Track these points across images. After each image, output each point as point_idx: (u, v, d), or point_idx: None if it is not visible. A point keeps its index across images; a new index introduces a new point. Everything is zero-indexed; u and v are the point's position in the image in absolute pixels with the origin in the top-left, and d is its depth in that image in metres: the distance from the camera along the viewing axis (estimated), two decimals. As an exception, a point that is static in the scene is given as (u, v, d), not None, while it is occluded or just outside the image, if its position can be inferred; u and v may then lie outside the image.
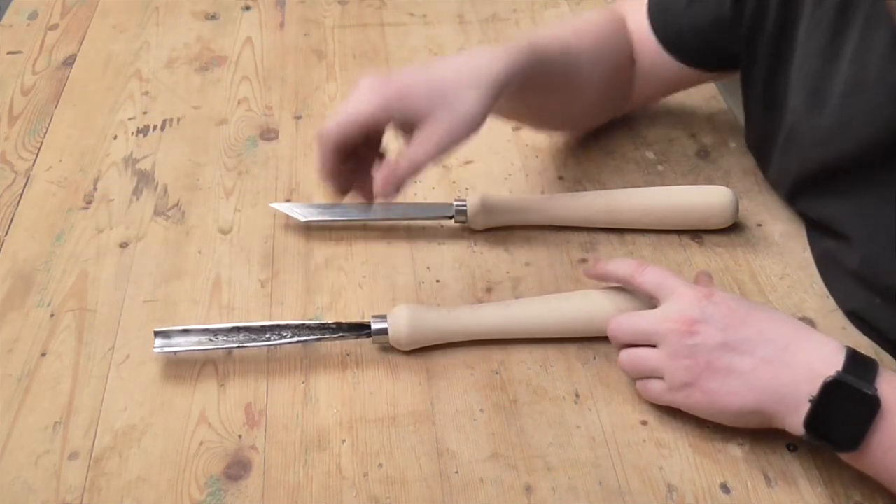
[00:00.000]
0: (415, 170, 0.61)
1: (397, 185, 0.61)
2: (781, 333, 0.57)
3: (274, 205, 0.79)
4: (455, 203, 0.76)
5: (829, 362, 0.55)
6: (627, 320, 0.63)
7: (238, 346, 0.66)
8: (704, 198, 0.76)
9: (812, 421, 0.55)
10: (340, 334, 0.66)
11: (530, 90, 0.69)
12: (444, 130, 0.61)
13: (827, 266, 0.73)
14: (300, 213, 0.77)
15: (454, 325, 0.67)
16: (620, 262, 0.66)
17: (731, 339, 0.58)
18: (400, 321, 0.66)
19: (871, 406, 0.53)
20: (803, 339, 0.57)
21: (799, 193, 0.75)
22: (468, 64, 0.64)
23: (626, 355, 0.63)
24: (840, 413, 0.54)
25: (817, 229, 0.75)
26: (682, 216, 0.76)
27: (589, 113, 0.84)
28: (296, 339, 0.66)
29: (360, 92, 0.61)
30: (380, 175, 0.62)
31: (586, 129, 0.87)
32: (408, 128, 0.62)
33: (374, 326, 0.66)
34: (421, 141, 0.61)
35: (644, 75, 0.81)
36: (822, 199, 0.72)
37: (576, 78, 0.76)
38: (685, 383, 0.59)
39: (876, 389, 0.53)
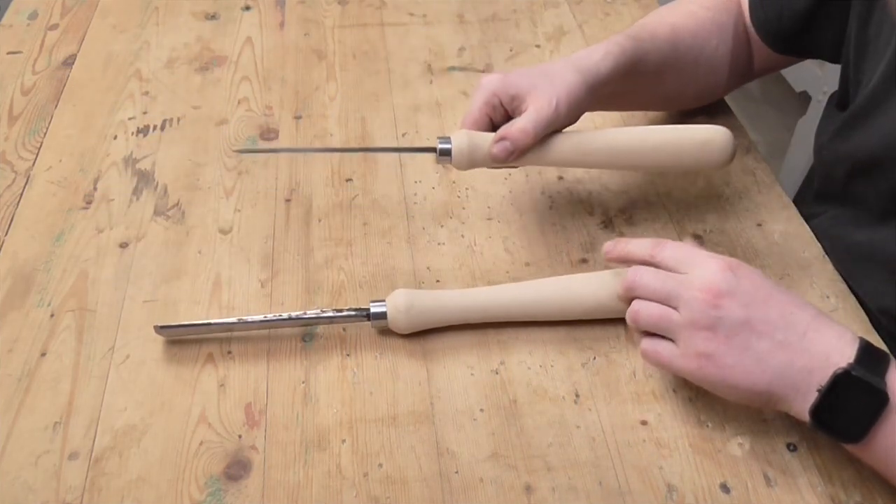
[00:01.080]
0: (521, 138, 0.68)
1: (509, 152, 0.69)
2: (801, 319, 0.57)
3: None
4: (439, 142, 0.73)
5: (843, 353, 0.55)
6: (652, 274, 0.61)
7: (238, 322, 0.68)
8: (702, 136, 0.73)
9: (818, 410, 0.55)
10: (340, 318, 0.67)
11: (638, 78, 0.75)
12: (543, 100, 0.68)
13: (859, 261, 0.73)
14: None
15: (453, 306, 0.67)
16: (639, 241, 0.64)
17: (753, 318, 0.57)
18: (399, 303, 0.66)
19: (879, 400, 0.53)
20: (821, 326, 0.57)
21: (864, 173, 0.74)
22: (569, 58, 0.72)
23: (644, 306, 0.61)
24: (847, 405, 0.54)
25: (859, 219, 0.74)
26: (679, 155, 0.73)
27: (707, 89, 0.86)
28: (295, 316, 0.68)
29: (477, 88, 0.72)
30: (494, 139, 0.70)
31: (710, 100, 0.89)
32: (518, 111, 0.70)
33: (373, 310, 0.66)
34: (524, 113, 0.69)
35: (738, 65, 0.85)
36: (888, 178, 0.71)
37: (688, 60, 0.80)
38: (701, 353, 0.58)
39: (885, 384, 0.53)
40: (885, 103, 0.69)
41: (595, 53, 0.72)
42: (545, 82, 0.69)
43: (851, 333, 0.57)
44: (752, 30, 0.83)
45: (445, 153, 0.71)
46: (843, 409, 0.54)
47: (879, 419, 0.53)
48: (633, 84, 0.76)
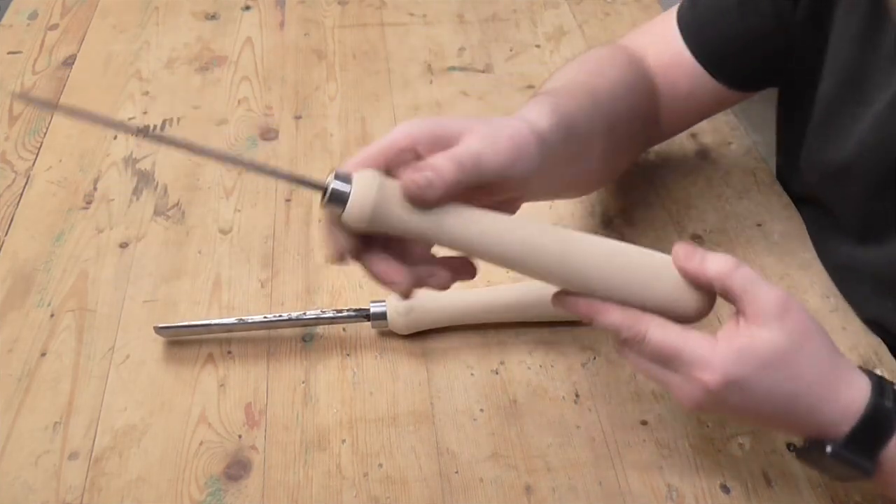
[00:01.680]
0: (446, 167, 0.49)
1: (427, 183, 0.49)
2: (804, 404, 0.52)
3: None
4: (335, 181, 0.55)
5: (840, 427, 0.51)
6: (646, 362, 0.53)
7: (238, 322, 0.67)
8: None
9: (797, 454, 0.55)
10: (340, 318, 0.67)
11: (573, 140, 0.60)
12: (480, 136, 0.52)
13: (845, 274, 0.72)
14: None
15: (453, 306, 0.67)
16: (717, 267, 0.52)
17: (753, 413, 0.53)
18: (398, 304, 0.66)
19: (863, 473, 0.51)
20: (825, 404, 0.52)
21: (834, 183, 0.72)
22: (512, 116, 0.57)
23: (645, 367, 0.54)
24: (831, 469, 0.53)
25: (842, 231, 0.73)
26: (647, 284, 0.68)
27: (614, 165, 0.74)
28: (295, 317, 0.67)
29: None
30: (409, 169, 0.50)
31: (611, 180, 0.80)
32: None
33: (372, 310, 0.67)
34: (450, 151, 0.51)
35: (677, 105, 0.76)
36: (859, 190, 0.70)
37: (604, 135, 0.66)
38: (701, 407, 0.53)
39: (876, 458, 0.51)
40: (842, 111, 0.68)
41: (527, 112, 0.57)
42: (481, 123, 0.53)
43: (861, 400, 0.51)
44: (697, 68, 0.74)
45: (338, 199, 0.48)
46: (827, 469, 0.53)
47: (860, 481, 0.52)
48: (572, 147, 0.61)
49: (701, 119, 0.81)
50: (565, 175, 0.62)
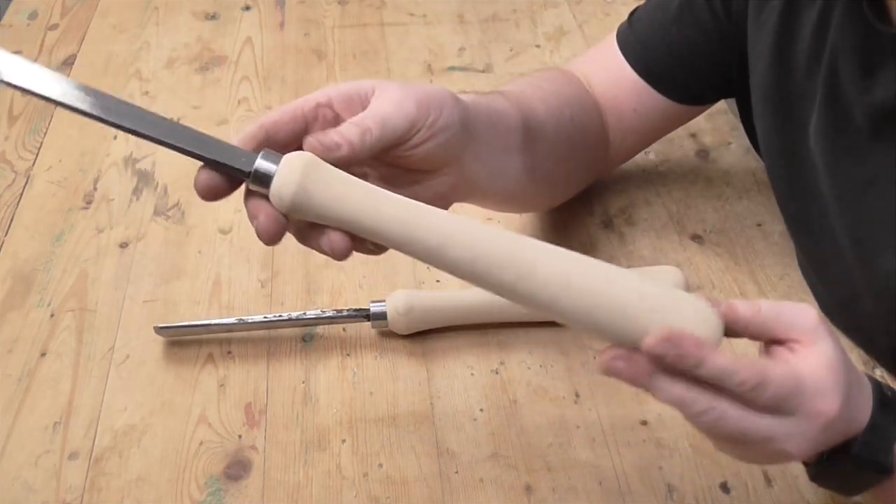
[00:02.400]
0: (343, 138, 0.49)
1: (333, 144, 0.49)
2: (856, 400, 0.48)
3: None
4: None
5: (863, 422, 0.49)
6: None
7: (238, 322, 0.67)
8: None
9: (813, 474, 0.51)
10: (340, 318, 0.67)
11: (493, 141, 0.60)
12: (390, 95, 0.52)
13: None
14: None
15: (453, 306, 0.67)
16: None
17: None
18: (399, 304, 0.66)
19: (881, 475, 0.49)
20: (858, 397, 0.49)
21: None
22: None
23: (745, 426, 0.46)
24: (844, 475, 0.51)
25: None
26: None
27: (557, 186, 0.73)
28: (295, 317, 0.67)
29: None
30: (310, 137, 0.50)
31: (559, 203, 0.77)
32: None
33: (373, 310, 0.67)
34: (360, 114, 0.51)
35: (626, 126, 0.75)
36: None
37: (548, 137, 0.66)
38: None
39: (892, 455, 0.49)
40: (772, 126, 0.68)
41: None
42: (395, 84, 0.53)
43: (872, 400, 0.49)
44: (639, 83, 0.73)
45: (262, 180, 0.47)
46: (839, 479, 0.51)
47: (879, 484, 0.50)
48: (501, 133, 0.61)
49: (653, 140, 0.80)
50: (500, 168, 0.61)
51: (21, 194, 0.82)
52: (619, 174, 0.83)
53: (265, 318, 0.68)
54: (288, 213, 0.47)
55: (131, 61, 1.00)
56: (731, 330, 0.48)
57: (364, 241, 0.49)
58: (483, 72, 0.98)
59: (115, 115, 0.47)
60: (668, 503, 0.58)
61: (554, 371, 0.67)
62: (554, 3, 1.10)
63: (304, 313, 0.68)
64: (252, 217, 0.49)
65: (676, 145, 0.87)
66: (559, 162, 0.70)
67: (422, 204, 0.48)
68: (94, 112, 0.47)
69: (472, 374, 0.66)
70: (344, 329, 0.69)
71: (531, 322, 0.69)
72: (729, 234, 0.78)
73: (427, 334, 0.69)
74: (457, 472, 0.60)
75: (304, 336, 0.69)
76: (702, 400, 0.45)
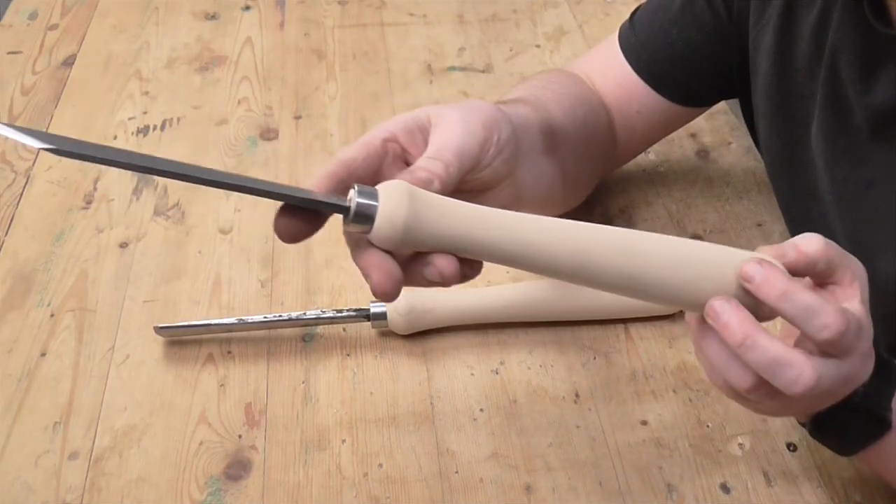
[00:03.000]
0: (436, 165, 0.49)
1: (431, 177, 0.48)
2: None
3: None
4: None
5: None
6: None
7: (238, 322, 0.67)
8: None
9: (816, 426, 0.52)
10: (340, 318, 0.67)
11: (540, 147, 0.61)
12: (453, 123, 0.51)
13: None
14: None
15: (453, 306, 0.67)
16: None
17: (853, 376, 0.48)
18: (399, 304, 0.66)
19: (881, 427, 0.50)
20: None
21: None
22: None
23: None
24: (845, 427, 0.51)
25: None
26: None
27: (580, 182, 0.73)
28: (295, 317, 0.67)
29: None
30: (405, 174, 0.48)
31: (578, 201, 0.76)
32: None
33: (373, 310, 0.67)
34: (435, 143, 0.51)
35: (630, 126, 0.75)
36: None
37: (572, 138, 0.67)
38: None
39: (891, 411, 0.50)
40: (773, 124, 0.68)
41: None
42: (451, 109, 0.53)
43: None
44: (639, 84, 0.74)
45: (363, 216, 0.45)
46: (841, 430, 0.52)
47: (877, 441, 0.51)
48: (547, 138, 0.62)
49: (656, 140, 0.80)
50: (540, 173, 0.61)
51: (21, 194, 0.82)
52: (619, 174, 0.83)
53: (265, 318, 0.68)
54: (399, 242, 0.45)
55: (131, 61, 1.00)
56: (802, 271, 0.48)
57: (461, 264, 0.47)
58: (483, 72, 0.98)
59: (206, 174, 0.43)
60: (668, 503, 0.58)
61: (554, 371, 0.67)
62: (554, 3, 1.10)
63: (304, 313, 0.68)
64: (366, 275, 0.47)
65: (676, 145, 0.87)
66: (579, 162, 0.70)
67: (518, 213, 0.47)
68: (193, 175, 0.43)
69: (472, 374, 0.66)
70: (344, 329, 0.69)
71: (531, 322, 0.69)
72: (729, 234, 0.78)
73: (427, 334, 0.69)
74: (457, 472, 0.60)
75: (304, 336, 0.69)
76: (740, 369, 0.45)
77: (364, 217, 0.44)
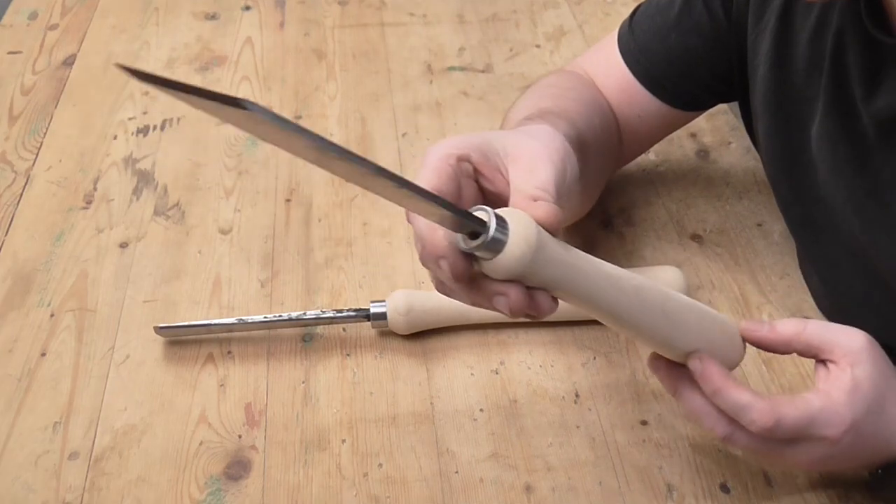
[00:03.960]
0: (550, 214, 0.47)
1: (558, 213, 0.47)
2: (884, 439, 0.53)
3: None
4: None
5: None
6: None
7: (238, 322, 0.67)
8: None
9: (872, 485, 0.56)
10: (340, 318, 0.67)
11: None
12: (536, 150, 0.51)
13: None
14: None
15: (453, 306, 0.67)
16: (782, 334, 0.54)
17: (864, 448, 0.53)
18: (399, 304, 0.66)
19: None
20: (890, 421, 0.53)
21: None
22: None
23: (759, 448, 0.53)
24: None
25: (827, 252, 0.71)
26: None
27: (595, 193, 0.74)
28: (295, 317, 0.67)
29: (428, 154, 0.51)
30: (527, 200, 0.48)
31: (585, 212, 0.75)
32: (496, 177, 0.51)
33: (372, 310, 0.67)
34: (521, 169, 0.50)
35: (631, 128, 0.75)
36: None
37: (593, 151, 0.66)
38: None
39: None
40: (773, 127, 0.68)
41: (538, 125, 0.57)
42: (523, 135, 0.53)
43: None
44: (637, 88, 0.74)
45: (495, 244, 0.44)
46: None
47: None
48: (581, 166, 0.60)
49: (656, 141, 0.80)
50: (578, 189, 0.60)
51: (21, 194, 0.82)
52: (619, 174, 0.83)
53: (265, 318, 0.68)
54: (515, 274, 0.44)
55: (131, 61, 0.99)
56: (776, 348, 0.55)
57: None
58: (483, 72, 0.98)
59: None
60: (668, 503, 0.58)
61: (554, 371, 0.67)
62: (554, 3, 1.10)
63: (304, 313, 0.68)
64: (499, 293, 0.46)
65: (676, 145, 0.87)
66: (597, 171, 0.70)
67: (613, 267, 0.50)
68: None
69: (472, 374, 0.66)
70: (344, 329, 0.69)
71: (531, 322, 0.69)
72: (729, 234, 0.78)
73: (427, 334, 0.69)
74: (457, 472, 0.60)
75: (304, 336, 0.69)
76: (714, 418, 0.52)
77: (495, 243, 0.43)
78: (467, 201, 0.50)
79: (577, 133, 0.62)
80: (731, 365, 0.55)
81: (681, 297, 0.53)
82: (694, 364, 0.52)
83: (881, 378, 0.52)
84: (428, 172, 0.48)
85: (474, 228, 0.43)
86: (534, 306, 0.46)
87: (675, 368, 0.54)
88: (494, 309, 0.47)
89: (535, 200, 0.47)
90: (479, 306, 0.48)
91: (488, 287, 0.46)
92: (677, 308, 0.52)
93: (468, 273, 0.46)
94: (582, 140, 0.62)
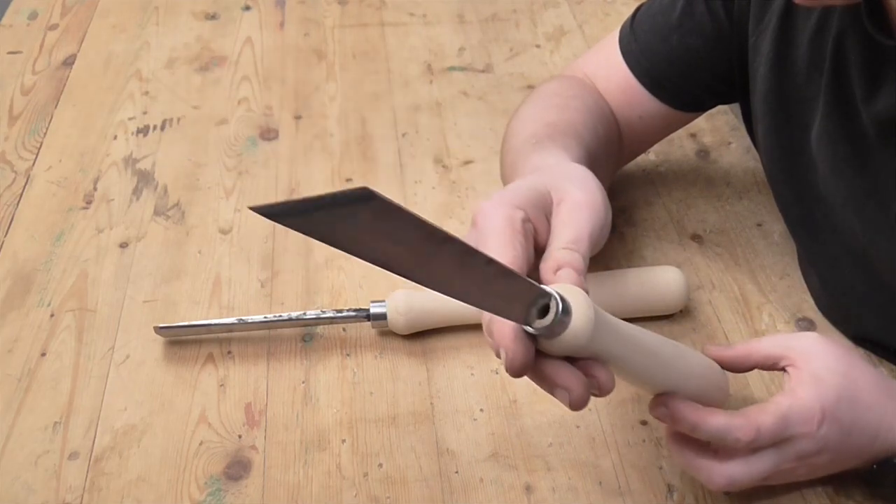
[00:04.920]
0: (578, 269, 0.49)
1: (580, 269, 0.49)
2: (884, 416, 0.54)
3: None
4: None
5: None
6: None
7: (238, 322, 0.67)
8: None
9: (878, 484, 0.57)
10: (340, 318, 0.67)
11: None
12: (583, 209, 0.52)
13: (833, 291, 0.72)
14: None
15: (453, 306, 0.67)
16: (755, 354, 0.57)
17: (850, 442, 0.54)
18: (399, 304, 0.66)
19: None
20: (885, 428, 0.54)
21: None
22: (545, 165, 0.59)
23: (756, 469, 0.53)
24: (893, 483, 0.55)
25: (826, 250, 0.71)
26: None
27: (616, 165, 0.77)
28: (295, 317, 0.67)
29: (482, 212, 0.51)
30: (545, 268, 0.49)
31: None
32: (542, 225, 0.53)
33: (372, 310, 0.67)
34: (563, 219, 0.52)
35: (631, 128, 0.75)
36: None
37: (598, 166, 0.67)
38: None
39: None
40: (773, 128, 0.68)
41: (563, 159, 0.60)
42: (572, 185, 0.54)
43: None
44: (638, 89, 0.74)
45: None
46: (892, 484, 0.55)
47: None
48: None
49: (656, 141, 0.81)
50: None
51: (21, 194, 0.82)
52: (619, 174, 0.83)
53: (265, 318, 0.68)
54: (572, 352, 0.45)
55: (131, 61, 1.00)
56: (737, 365, 0.57)
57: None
58: (483, 72, 0.98)
59: None
60: (668, 503, 0.58)
61: (554, 371, 0.66)
62: (554, 3, 1.10)
63: (304, 313, 0.68)
64: (561, 387, 0.46)
65: (676, 145, 0.87)
66: (600, 177, 0.70)
67: (653, 336, 0.51)
68: None
69: (472, 374, 0.66)
70: (344, 329, 0.69)
71: (531, 322, 0.69)
72: (729, 234, 0.78)
73: (427, 334, 0.69)
74: (457, 472, 0.60)
75: (304, 336, 0.69)
76: (706, 466, 0.53)
77: (560, 325, 0.43)
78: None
79: (587, 149, 0.64)
80: (722, 403, 0.57)
81: (682, 348, 0.55)
82: (660, 411, 0.53)
83: (844, 366, 0.53)
84: (505, 250, 0.47)
85: (543, 305, 0.43)
86: (596, 386, 0.46)
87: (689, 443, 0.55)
88: (555, 397, 0.47)
89: (570, 251, 0.49)
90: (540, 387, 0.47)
91: (550, 377, 0.46)
92: (682, 363, 0.54)
93: (532, 357, 0.45)
94: (590, 153, 0.64)
